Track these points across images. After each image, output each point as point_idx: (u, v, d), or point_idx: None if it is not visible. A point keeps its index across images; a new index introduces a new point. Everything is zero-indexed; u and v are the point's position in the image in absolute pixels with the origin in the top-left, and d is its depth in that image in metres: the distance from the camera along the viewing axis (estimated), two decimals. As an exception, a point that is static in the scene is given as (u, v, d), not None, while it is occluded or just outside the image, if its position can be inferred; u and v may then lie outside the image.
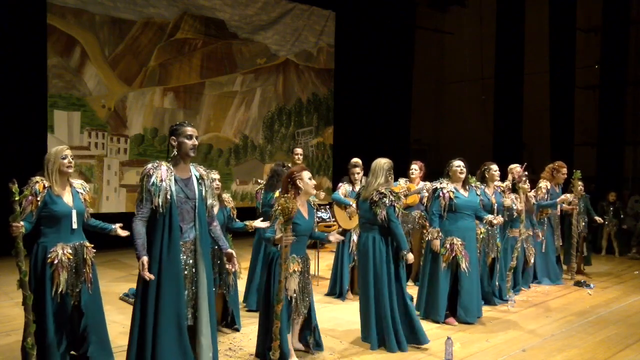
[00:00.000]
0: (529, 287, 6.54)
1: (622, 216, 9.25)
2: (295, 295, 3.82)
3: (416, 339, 4.29)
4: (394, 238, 4.24)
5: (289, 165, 5.48)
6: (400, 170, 6.58)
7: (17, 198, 3.13)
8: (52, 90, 8.25)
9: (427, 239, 5.14)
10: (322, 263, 7.17)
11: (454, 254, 4.86)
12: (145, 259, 3.07)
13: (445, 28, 14.51)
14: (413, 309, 4.37)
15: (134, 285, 5.92)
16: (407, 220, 6.37)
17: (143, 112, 9.22)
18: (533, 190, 6.64)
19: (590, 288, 6.57)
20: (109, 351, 3.73)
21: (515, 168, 6.28)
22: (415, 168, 6.43)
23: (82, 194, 3.68)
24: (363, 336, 4.36)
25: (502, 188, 5.90)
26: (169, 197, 3.11)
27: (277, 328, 3.67)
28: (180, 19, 9.58)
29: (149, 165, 3.18)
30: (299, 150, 6.65)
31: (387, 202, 4.18)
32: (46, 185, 3.46)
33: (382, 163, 4.37)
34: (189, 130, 3.22)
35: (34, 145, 8.03)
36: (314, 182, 3.90)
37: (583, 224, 7.55)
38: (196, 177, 3.30)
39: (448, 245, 4.87)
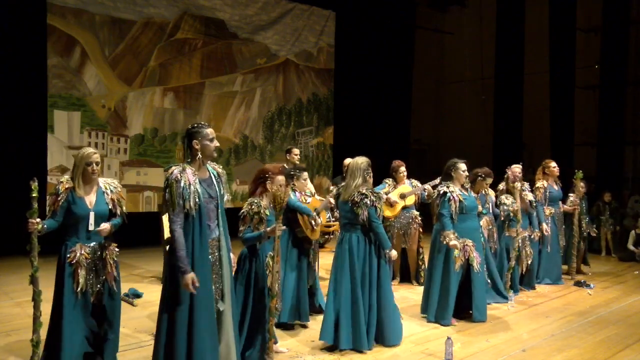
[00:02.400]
0: (534, 288, 6.49)
1: (614, 215, 9.24)
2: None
3: (388, 338, 4.31)
4: (377, 238, 4.25)
5: (303, 166, 5.43)
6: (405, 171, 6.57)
7: (35, 195, 3.23)
8: (52, 90, 8.25)
9: (445, 241, 4.90)
10: (321, 262, 7.16)
11: (467, 256, 4.88)
12: (192, 275, 3.08)
13: (445, 28, 14.52)
14: (394, 308, 4.37)
15: (134, 285, 5.97)
16: (404, 221, 6.37)
17: (143, 112, 9.22)
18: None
19: (590, 288, 6.56)
20: (117, 348, 3.82)
21: (514, 168, 6.29)
22: (404, 169, 6.38)
23: (108, 194, 3.69)
24: (326, 335, 4.23)
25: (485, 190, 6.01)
26: (197, 199, 3.15)
27: (272, 326, 3.67)
28: (180, 19, 9.57)
29: (175, 171, 3.15)
30: (296, 151, 6.75)
31: (368, 202, 4.18)
32: (68, 186, 3.53)
33: (359, 163, 4.34)
34: (210, 132, 3.25)
35: (34, 145, 8.04)
36: (282, 189, 3.89)
37: (584, 223, 7.57)
38: (214, 176, 3.35)
39: (461, 248, 4.87)
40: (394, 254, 4.30)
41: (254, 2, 10.49)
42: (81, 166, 3.57)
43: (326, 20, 11.72)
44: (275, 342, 4.03)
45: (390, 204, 6.27)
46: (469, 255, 4.88)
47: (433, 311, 5.00)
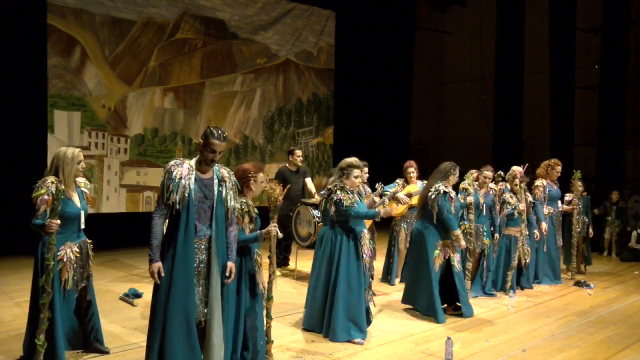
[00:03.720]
0: (532, 287, 6.53)
1: (622, 216, 9.23)
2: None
3: (359, 329, 4.44)
4: (361, 218, 4.42)
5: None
6: (400, 171, 6.60)
7: (61, 197, 3.37)
8: (52, 90, 8.25)
9: (459, 242, 5.09)
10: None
11: (447, 256, 5.07)
12: (158, 265, 3.13)
13: (445, 28, 14.51)
14: (363, 300, 4.48)
15: (134, 285, 5.96)
16: (411, 220, 6.40)
17: (143, 112, 9.21)
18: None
19: (590, 288, 6.57)
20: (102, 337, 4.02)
21: (517, 169, 6.35)
22: (413, 170, 6.45)
23: (85, 192, 3.84)
24: (309, 324, 4.59)
25: (494, 191, 6.14)
26: (186, 194, 3.15)
27: (269, 328, 3.67)
28: (180, 19, 9.57)
29: (172, 162, 3.24)
30: (299, 152, 7.01)
31: (334, 197, 4.38)
32: (60, 188, 3.55)
33: (340, 163, 4.60)
34: (217, 145, 3.22)
35: (34, 145, 8.03)
36: (265, 184, 3.85)
37: (582, 223, 7.57)
38: (217, 178, 3.33)
39: (441, 249, 5.06)
40: (387, 212, 4.55)
41: (254, 2, 10.49)
42: (74, 167, 3.64)
43: (326, 20, 11.72)
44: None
45: (397, 202, 6.30)
46: (449, 255, 5.06)
47: (424, 304, 5.15)
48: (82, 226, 3.71)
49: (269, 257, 3.70)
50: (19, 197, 7.69)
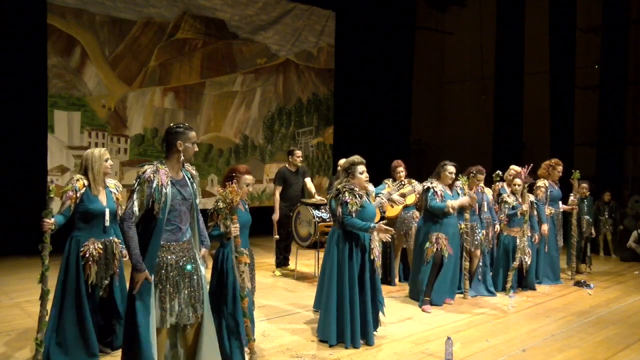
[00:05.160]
0: (534, 288, 6.49)
1: (614, 215, 9.22)
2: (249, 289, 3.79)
3: (366, 338, 4.37)
4: (354, 230, 4.28)
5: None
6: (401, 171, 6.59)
7: (52, 196, 3.43)
8: (52, 90, 8.25)
9: (451, 210, 5.38)
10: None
11: (439, 247, 5.37)
12: (146, 274, 3.00)
13: (445, 28, 14.52)
14: (370, 308, 4.39)
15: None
16: (406, 221, 6.38)
17: (143, 112, 9.22)
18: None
19: (590, 288, 6.56)
20: None
21: (516, 168, 6.37)
22: (401, 170, 6.36)
23: (115, 193, 3.95)
24: (320, 332, 4.38)
25: (482, 188, 6.23)
26: (169, 201, 3.10)
27: (248, 327, 3.66)
28: (181, 19, 9.57)
29: (148, 170, 3.08)
30: (299, 153, 7.03)
31: (341, 198, 4.31)
32: (86, 184, 3.75)
33: (342, 163, 4.62)
34: (193, 136, 3.22)
35: (34, 145, 8.04)
36: (250, 188, 3.83)
37: (584, 223, 7.57)
38: (188, 177, 3.30)
39: (434, 240, 5.38)
40: (380, 228, 4.28)
41: (254, 2, 10.49)
42: (102, 165, 3.82)
43: (326, 20, 11.72)
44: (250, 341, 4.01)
45: (393, 203, 6.28)
46: (441, 247, 5.36)
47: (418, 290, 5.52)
48: (107, 224, 3.81)
49: (235, 257, 3.67)
50: (19, 197, 7.75)
